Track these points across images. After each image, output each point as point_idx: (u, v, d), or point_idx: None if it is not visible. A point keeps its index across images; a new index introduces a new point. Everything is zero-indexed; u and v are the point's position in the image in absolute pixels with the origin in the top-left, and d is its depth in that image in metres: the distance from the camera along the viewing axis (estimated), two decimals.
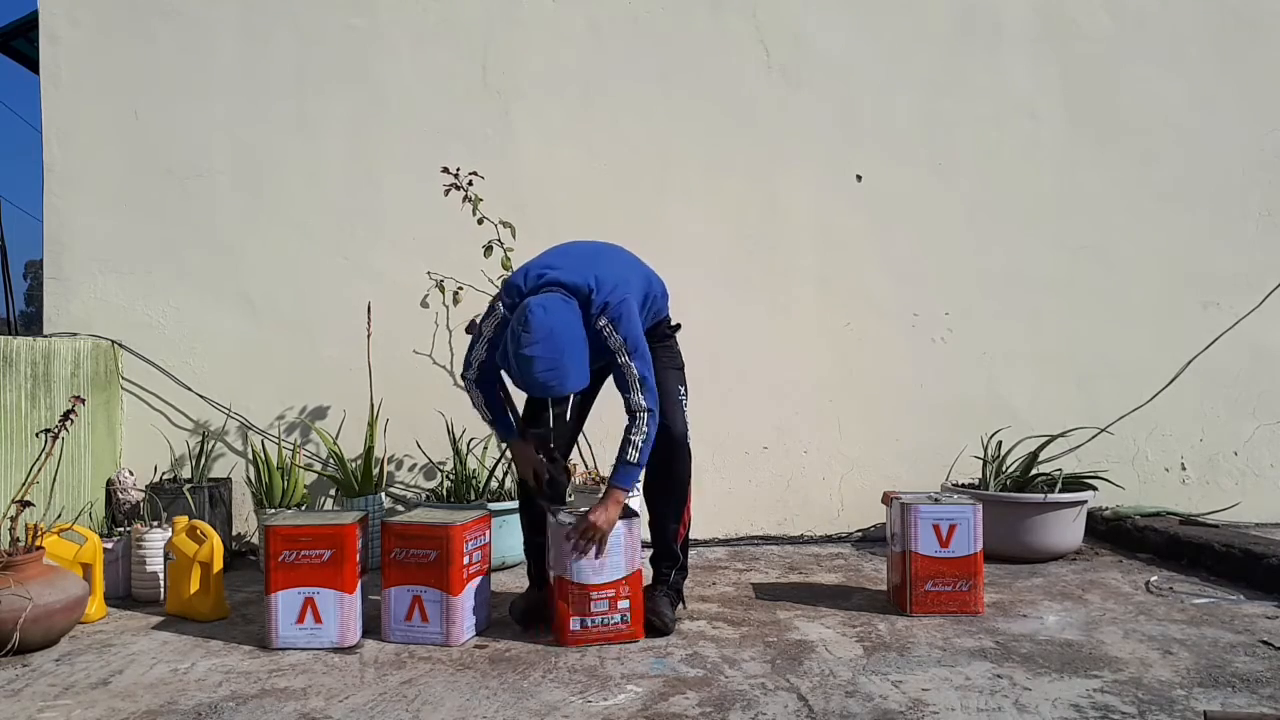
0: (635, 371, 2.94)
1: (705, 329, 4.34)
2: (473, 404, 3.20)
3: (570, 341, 2.86)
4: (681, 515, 3.21)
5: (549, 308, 2.85)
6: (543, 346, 2.81)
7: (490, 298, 4.32)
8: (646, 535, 3.20)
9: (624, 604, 3.01)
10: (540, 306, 2.84)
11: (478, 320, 3.24)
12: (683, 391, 3.22)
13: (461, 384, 3.25)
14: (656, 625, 3.04)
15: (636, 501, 3.29)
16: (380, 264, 4.40)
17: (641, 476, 3.07)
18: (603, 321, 2.92)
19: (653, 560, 3.24)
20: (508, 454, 4.21)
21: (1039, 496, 4.00)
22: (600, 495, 3.03)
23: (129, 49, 4.33)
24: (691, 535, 4.23)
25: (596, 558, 2.97)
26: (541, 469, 3.14)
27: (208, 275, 4.36)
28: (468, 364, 3.14)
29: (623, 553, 3.02)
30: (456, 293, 4.37)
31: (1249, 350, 4.71)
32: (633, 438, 2.95)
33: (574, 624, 2.95)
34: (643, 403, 2.94)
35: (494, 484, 4.18)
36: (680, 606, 3.24)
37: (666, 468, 3.16)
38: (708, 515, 4.43)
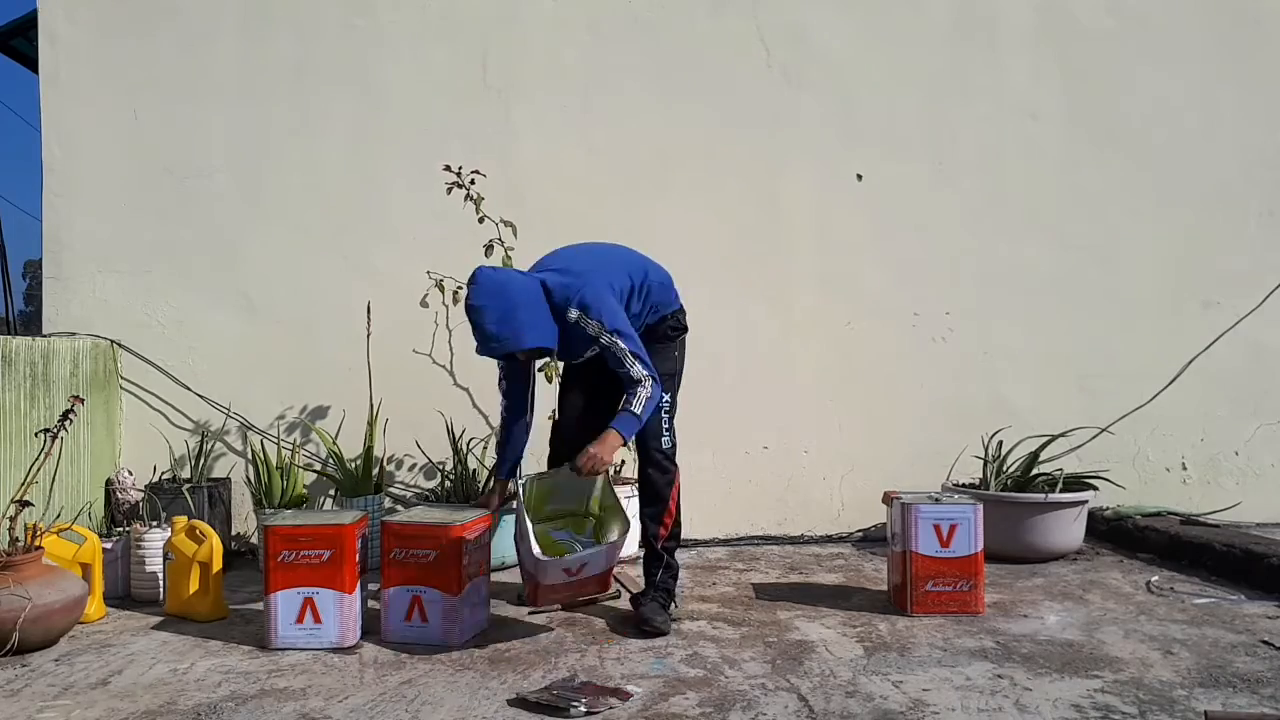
0: (623, 346, 2.93)
1: (705, 329, 4.31)
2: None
3: (524, 293, 2.89)
4: (662, 519, 3.22)
5: (499, 272, 2.95)
6: (493, 299, 2.84)
7: None
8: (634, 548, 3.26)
9: None
10: (490, 269, 2.95)
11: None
12: (667, 400, 3.19)
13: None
14: (647, 632, 3.03)
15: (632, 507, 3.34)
16: (380, 264, 4.40)
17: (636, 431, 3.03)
18: (573, 313, 2.93)
19: (643, 564, 3.29)
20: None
21: (1040, 496, 3.99)
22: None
23: (129, 49, 4.32)
24: (692, 535, 4.28)
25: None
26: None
27: (208, 275, 4.35)
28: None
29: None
30: (456, 292, 4.36)
31: (1249, 350, 4.71)
32: (637, 392, 2.94)
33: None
34: (642, 372, 2.93)
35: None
36: (673, 606, 3.24)
37: (645, 475, 3.22)
38: (708, 515, 4.44)
